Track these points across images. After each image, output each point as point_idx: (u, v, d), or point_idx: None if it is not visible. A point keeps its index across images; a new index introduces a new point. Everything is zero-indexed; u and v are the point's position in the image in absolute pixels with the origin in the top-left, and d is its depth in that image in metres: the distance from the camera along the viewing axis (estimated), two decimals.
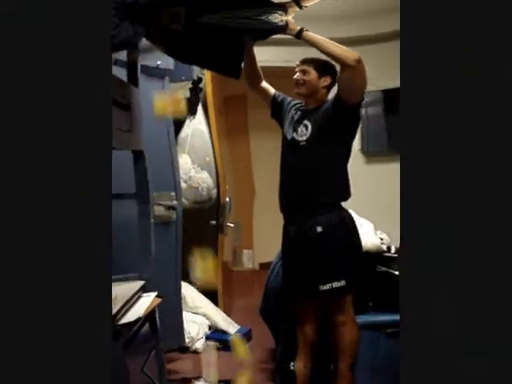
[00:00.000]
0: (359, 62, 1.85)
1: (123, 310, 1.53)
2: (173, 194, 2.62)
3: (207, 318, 2.78)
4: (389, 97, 3.51)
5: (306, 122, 2.07)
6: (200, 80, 3.09)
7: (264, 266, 4.88)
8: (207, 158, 3.16)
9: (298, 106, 2.19)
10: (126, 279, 1.80)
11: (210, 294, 2.97)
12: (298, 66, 2.11)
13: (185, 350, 2.69)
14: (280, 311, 2.32)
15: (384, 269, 2.38)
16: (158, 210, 2.41)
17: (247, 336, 2.88)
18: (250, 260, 5.70)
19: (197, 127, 3.08)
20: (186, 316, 2.56)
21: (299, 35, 1.87)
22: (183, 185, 2.95)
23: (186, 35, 1.69)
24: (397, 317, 2.17)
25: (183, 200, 2.79)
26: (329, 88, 2.10)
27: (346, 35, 3.09)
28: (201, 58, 1.87)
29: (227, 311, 3.10)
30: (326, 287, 1.96)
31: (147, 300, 1.72)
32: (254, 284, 3.62)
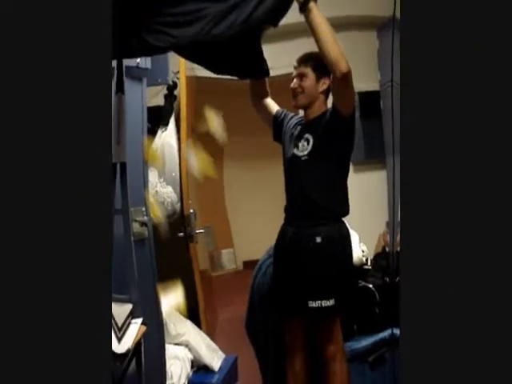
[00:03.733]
0: (347, 76, 1.72)
1: (119, 336, 1.38)
2: (144, 209, 2.48)
3: (190, 349, 2.58)
4: (363, 101, 3.32)
5: (307, 135, 1.99)
6: (175, 85, 2.95)
7: (249, 265, 4.65)
8: (173, 174, 3.06)
9: (298, 121, 2.11)
10: (116, 300, 1.64)
11: (191, 311, 2.78)
12: (294, 67, 2.02)
13: None
14: (265, 324, 2.24)
15: (364, 283, 2.37)
16: (134, 227, 2.25)
17: (233, 374, 2.69)
18: (231, 260, 5.57)
19: (167, 140, 2.94)
20: (168, 349, 2.35)
21: (304, 7, 1.63)
22: (150, 200, 2.82)
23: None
24: (377, 337, 2.23)
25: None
26: (327, 92, 2.03)
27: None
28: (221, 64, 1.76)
29: (211, 331, 2.94)
30: (315, 304, 1.89)
31: (135, 328, 1.58)
32: (239, 287, 3.38)
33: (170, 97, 3.00)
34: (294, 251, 1.99)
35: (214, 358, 2.63)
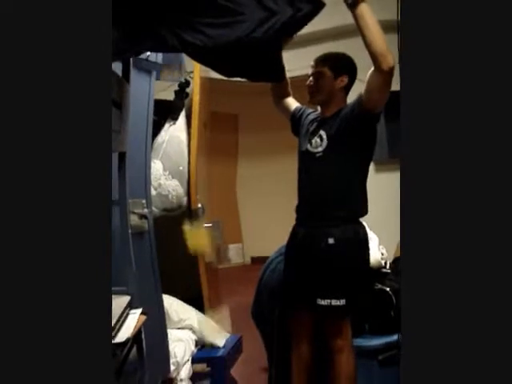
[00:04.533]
0: (391, 71, 1.72)
1: (115, 329, 1.38)
2: (144, 201, 2.46)
3: (193, 332, 2.58)
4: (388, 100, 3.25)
5: (321, 132, 1.98)
6: (188, 83, 2.95)
7: (257, 261, 4.79)
8: (180, 168, 3.04)
9: (315, 117, 2.10)
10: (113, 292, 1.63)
11: (195, 300, 2.81)
12: (312, 66, 2.02)
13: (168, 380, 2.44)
14: (273, 314, 2.23)
15: (380, 286, 2.32)
16: (133, 220, 2.23)
17: (237, 349, 2.72)
18: (238, 254, 5.66)
19: (175, 134, 2.93)
20: (171, 334, 2.36)
21: (355, 4, 1.66)
22: (152, 192, 2.81)
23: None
24: (390, 338, 2.18)
25: (153, 208, 2.64)
26: (346, 89, 2.02)
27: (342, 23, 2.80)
28: (234, 67, 1.70)
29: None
30: (325, 303, 1.88)
31: (134, 318, 1.57)
32: (245, 279, 3.45)
33: (181, 93, 3.00)
34: (305, 252, 1.97)
35: (219, 337, 2.65)
